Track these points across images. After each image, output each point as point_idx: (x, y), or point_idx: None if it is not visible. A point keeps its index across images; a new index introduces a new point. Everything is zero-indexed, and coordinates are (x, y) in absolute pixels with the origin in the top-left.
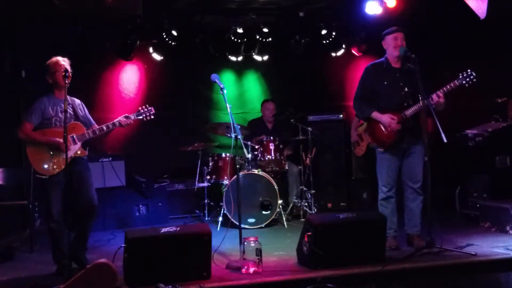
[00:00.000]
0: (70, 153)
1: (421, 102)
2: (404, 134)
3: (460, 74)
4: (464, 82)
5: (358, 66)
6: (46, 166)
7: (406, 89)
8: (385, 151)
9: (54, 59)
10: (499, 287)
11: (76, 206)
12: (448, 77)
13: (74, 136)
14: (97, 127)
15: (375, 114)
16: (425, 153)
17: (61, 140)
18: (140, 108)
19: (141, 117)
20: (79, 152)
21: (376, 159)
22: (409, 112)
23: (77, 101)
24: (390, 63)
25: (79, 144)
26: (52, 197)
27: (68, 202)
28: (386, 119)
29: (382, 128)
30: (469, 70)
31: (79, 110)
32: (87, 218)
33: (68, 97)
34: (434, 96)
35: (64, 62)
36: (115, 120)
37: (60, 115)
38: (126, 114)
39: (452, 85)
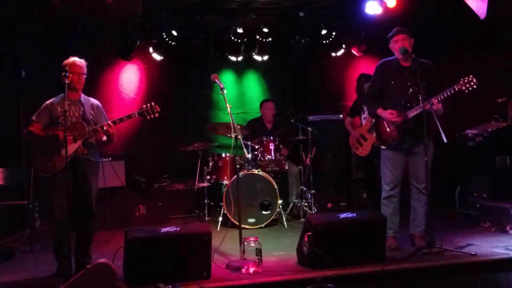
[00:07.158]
0: (69, 151)
1: (420, 104)
2: (405, 134)
3: (461, 79)
4: (464, 88)
5: (358, 66)
6: (48, 164)
7: (411, 89)
8: (388, 149)
9: (68, 60)
10: (499, 287)
11: (76, 209)
12: (446, 78)
13: (75, 134)
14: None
15: (380, 111)
16: (425, 153)
17: (61, 133)
18: (144, 105)
19: (143, 115)
20: (79, 151)
21: (381, 157)
22: (410, 113)
23: (92, 101)
24: (399, 61)
25: (79, 142)
26: (55, 197)
27: (71, 203)
28: (387, 114)
29: (386, 125)
30: (470, 76)
31: (91, 110)
32: (85, 225)
33: (83, 96)
34: (430, 103)
35: (80, 63)
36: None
37: (66, 114)
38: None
39: (452, 90)
